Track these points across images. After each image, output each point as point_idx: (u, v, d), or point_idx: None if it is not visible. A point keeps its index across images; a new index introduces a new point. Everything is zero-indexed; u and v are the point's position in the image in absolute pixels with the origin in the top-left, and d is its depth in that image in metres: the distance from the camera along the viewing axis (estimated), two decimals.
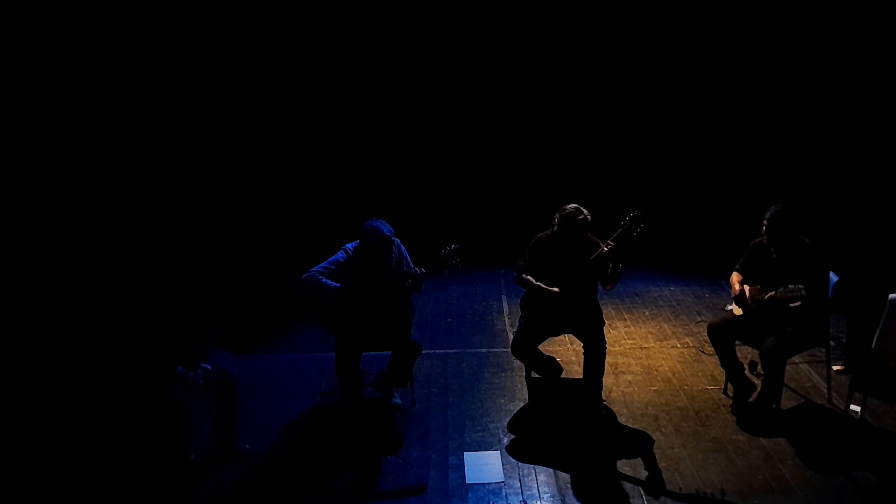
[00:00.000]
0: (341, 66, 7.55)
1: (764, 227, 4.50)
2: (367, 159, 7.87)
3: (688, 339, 5.85)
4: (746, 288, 4.56)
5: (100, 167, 5.35)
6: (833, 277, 4.58)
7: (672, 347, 5.73)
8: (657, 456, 4.28)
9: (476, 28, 7.53)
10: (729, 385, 4.87)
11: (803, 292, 4.16)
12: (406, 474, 4.17)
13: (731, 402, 4.77)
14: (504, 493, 3.98)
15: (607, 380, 5.02)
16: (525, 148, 7.89)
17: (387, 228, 4.47)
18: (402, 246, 4.67)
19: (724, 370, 4.80)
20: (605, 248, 4.36)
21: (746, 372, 4.87)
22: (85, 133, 5.33)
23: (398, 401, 4.89)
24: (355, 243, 4.57)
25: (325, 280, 4.46)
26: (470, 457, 4.31)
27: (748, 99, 7.53)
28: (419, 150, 7.84)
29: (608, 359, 4.69)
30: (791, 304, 4.26)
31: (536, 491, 4.00)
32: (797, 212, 4.45)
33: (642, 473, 4.12)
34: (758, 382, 4.74)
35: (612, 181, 7.59)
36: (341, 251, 4.58)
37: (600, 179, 7.58)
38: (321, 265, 4.52)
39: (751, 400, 4.71)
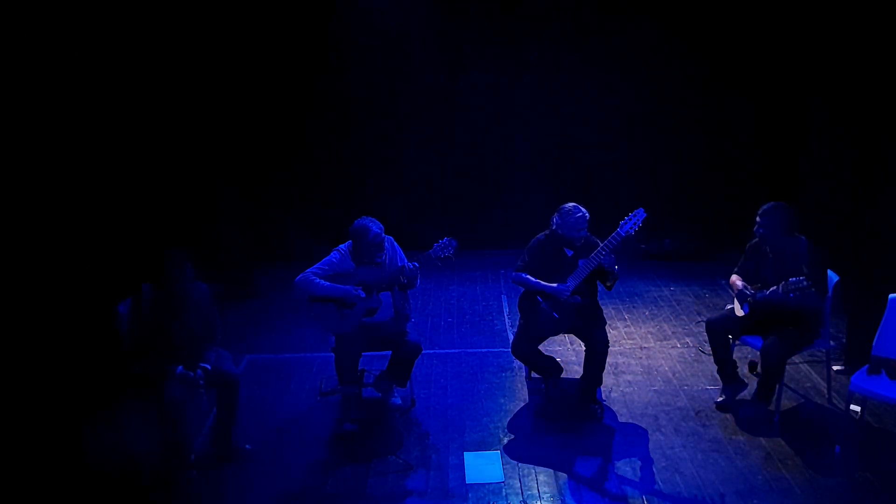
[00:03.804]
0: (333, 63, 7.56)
1: (755, 227, 4.53)
2: (373, 160, 7.89)
3: (688, 339, 5.85)
4: (747, 285, 4.56)
5: (98, 166, 5.35)
6: (833, 277, 4.59)
7: (672, 347, 5.73)
8: (657, 456, 4.28)
9: (472, 22, 7.56)
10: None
11: (805, 283, 4.16)
12: (406, 474, 4.17)
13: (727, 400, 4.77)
14: (504, 493, 3.98)
15: (607, 380, 5.03)
16: (525, 147, 7.88)
17: (377, 225, 4.50)
18: (394, 242, 4.69)
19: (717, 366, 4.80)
20: (604, 252, 4.39)
21: (747, 371, 4.87)
22: (85, 132, 5.32)
23: (398, 401, 4.90)
24: (348, 244, 4.59)
25: (318, 280, 4.47)
26: (470, 457, 4.31)
27: (750, 98, 7.52)
28: (421, 149, 7.84)
29: (608, 359, 4.70)
30: (793, 296, 4.25)
31: (536, 491, 4.00)
32: (788, 210, 4.49)
33: (642, 473, 4.12)
34: (751, 382, 4.74)
35: (611, 180, 7.58)
36: (335, 251, 4.61)
37: (600, 179, 7.56)
38: (315, 266, 4.54)
39: (746, 399, 4.71)
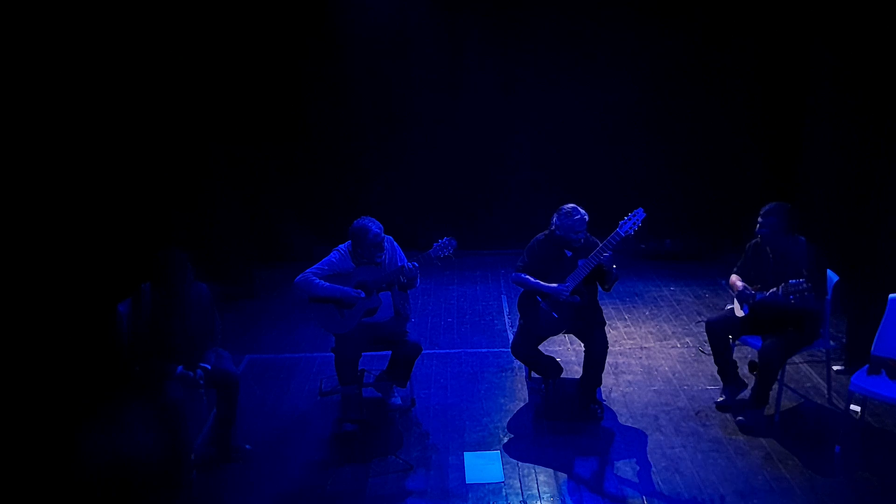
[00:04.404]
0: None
1: (758, 227, 4.53)
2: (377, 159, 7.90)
3: (688, 339, 5.85)
4: (748, 286, 4.56)
5: (98, 166, 5.35)
6: (833, 277, 4.59)
7: (672, 347, 5.73)
8: (657, 456, 4.28)
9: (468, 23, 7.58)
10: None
11: (804, 285, 4.17)
12: (406, 474, 4.17)
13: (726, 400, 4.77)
14: (504, 493, 3.98)
15: (607, 380, 5.03)
16: (525, 147, 7.88)
17: (376, 225, 4.51)
18: (394, 242, 4.70)
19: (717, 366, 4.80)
20: (603, 252, 4.40)
21: (747, 371, 4.87)
22: (85, 131, 5.32)
23: (398, 401, 4.90)
24: (348, 244, 4.59)
25: (318, 281, 4.48)
26: (470, 457, 4.31)
27: (750, 98, 7.52)
28: (421, 149, 7.84)
29: (608, 359, 4.70)
30: (792, 299, 4.25)
31: (536, 491, 4.00)
32: (790, 210, 4.50)
33: (642, 473, 4.12)
34: (751, 382, 4.74)
35: (611, 180, 7.57)
36: (334, 251, 4.62)
37: (599, 179, 7.56)
38: (315, 266, 4.55)
39: (740, 398, 4.72)
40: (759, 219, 4.54)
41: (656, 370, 5.34)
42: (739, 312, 4.61)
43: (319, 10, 7.34)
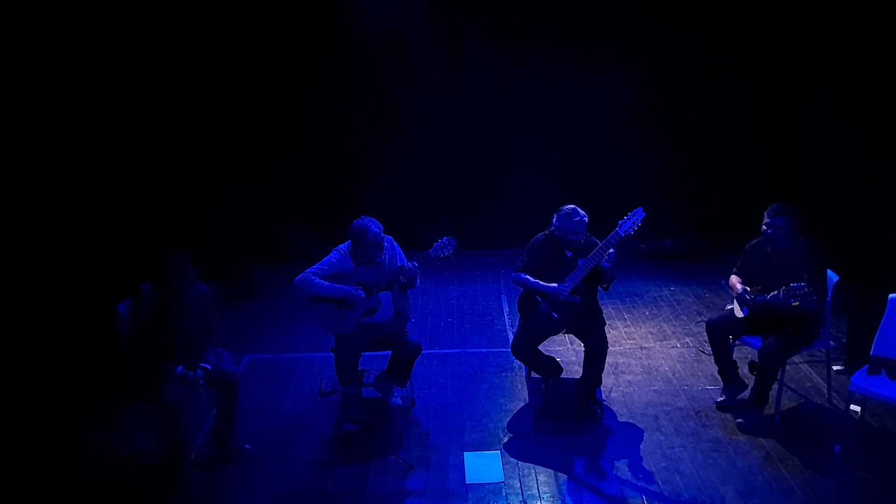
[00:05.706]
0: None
1: (765, 227, 4.51)
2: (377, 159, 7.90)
3: (688, 339, 5.85)
4: (747, 289, 4.56)
5: (98, 166, 5.34)
6: (833, 277, 4.59)
7: (672, 347, 5.73)
8: (657, 456, 4.28)
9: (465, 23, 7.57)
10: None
11: (806, 289, 4.16)
12: (406, 474, 4.17)
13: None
14: (504, 493, 3.98)
15: (607, 380, 5.03)
16: (525, 146, 7.88)
17: (376, 225, 4.52)
18: (394, 242, 4.70)
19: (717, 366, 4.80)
20: (604, 252, 4.40)
21: (747, 371, 4.87)
22: (85, 131, 5.32)
23: (398, 401, 4.90)
24: (347, 244, 4.59)
25: (318, 280, 4.48)
26: (470, 457, 4.31)
27: (750, 98, 7.52)
28: (421, 149, 7.84)
29: (608, 359, 4.70)
30: (794, 303, 4.25)
31: (536, 491, 4.00)
32: (797, 211, 4.49)
33: (642, 473, 4.12)
34: (751, 382, 4.74)
35: (611, 180, 7.57)
36: (334, 251, 4.63)
37: (599, 178, 7.56)
38: (315, 266, 4.55)
39: (740, 398, 4.72)
40: (766, 219, 4.51)
41: (656, 370, 5.34)
42: (739, 313, 4.60)
43: (319, 10, 7.34)
